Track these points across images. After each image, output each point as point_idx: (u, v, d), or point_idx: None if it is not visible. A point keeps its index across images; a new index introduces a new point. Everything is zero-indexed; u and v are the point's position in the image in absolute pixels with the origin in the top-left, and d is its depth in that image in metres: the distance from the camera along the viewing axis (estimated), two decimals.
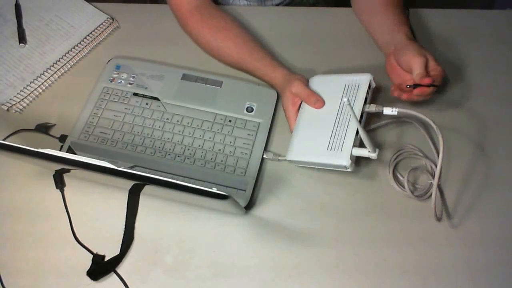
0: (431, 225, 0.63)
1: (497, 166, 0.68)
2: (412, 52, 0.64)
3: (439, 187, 0.66)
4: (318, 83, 0.69)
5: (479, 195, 0.66)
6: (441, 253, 0.61)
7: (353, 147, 0.60)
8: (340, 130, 0.62)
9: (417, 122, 0.70)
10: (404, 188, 0.65)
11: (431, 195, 0.63)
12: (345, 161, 0.59)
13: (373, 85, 0.65)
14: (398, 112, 0.60)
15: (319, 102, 0.65)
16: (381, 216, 0.64)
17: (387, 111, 0.60)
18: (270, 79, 0.73)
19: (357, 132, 0.59)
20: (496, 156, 0.69)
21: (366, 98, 0.64)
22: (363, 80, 0.64)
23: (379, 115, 0.71)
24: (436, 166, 0.66)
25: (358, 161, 0.68)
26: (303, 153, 0.64)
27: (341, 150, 0.60)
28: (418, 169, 0.67)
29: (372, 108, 0.62)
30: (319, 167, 0.65)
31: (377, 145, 0.69)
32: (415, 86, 0.63)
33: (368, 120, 0.71)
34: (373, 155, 0.59)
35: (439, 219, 0.62)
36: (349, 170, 0.60)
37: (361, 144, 0.60)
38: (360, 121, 0.62)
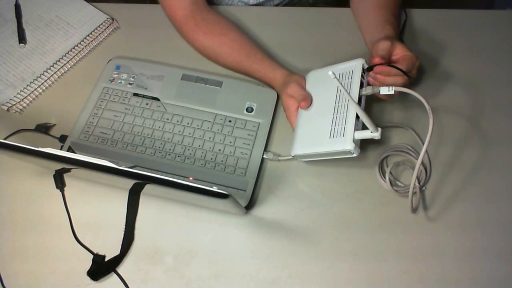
0: (429, 225, 0.63)
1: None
2: (379, 40, 0.65)
3: (422, 191, 0.66)
4: (314, 77, 0.70)
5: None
6: (441, 253, 0.62)
7: (355, 130, 0.59)
8: (340, 117, 0.61)
9: (412, 129, 0.71)
10: (385, 179, 0.66)
11: (414, 193, 0.63)
12: (349, 145, 0.59)
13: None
14: (394, 91, 0.59)
15: (305, 102, 0.66)
16: (381, 215, 0.64)
17: (384, 90, 0.60)
18: (270, 80, 0.73)
19: (357, 116, 0.59)
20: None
21: (362, 83, 0.63)
22: (356, 65, 0.64)
23: (378, 119, 0.72)
24: (426, 169, 0.67)
25: (359, 158, 0.68)
26: (306, 146, 0.64)
27: (343, 135, 0.60)
28: (406, 168, 0.68)
29: (368, 90, 0.62)
30: (324, 158, 0.64)
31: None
32: (370, 68, 0.62)
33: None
34: (376, 135, 0.58)
35: (414, 210, 0.62)
36: (354, 155, 0.60)
37: (363, 128, 0.60)
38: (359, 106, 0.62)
